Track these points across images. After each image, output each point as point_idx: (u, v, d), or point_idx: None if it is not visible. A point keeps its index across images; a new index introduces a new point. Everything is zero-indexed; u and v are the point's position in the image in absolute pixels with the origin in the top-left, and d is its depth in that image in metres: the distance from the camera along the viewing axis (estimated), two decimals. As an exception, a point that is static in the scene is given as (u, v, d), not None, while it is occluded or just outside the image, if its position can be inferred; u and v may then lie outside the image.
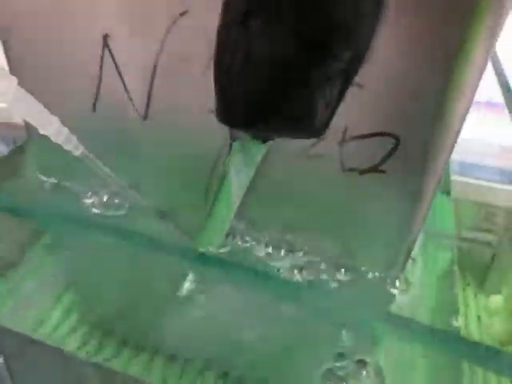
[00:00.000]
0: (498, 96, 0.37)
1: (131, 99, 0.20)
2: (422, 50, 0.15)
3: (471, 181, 0.49)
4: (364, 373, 0.21)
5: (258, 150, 0.15)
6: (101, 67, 0.20)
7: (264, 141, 0.15)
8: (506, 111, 0.25)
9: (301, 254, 0.20)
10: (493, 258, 0.55)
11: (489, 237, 0.53)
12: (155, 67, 0.18)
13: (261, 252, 0.19)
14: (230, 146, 0.16)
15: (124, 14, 0.18)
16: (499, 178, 0.49)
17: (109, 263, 0.24)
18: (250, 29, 0.12)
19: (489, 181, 0.49)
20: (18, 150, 0.30)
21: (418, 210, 0.19)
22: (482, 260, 0.59)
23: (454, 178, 0.50)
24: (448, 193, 0.39)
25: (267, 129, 0.14)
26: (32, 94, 0.17)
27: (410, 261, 0.22)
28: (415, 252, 0.23)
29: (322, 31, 0.11)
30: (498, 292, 0.55)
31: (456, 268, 0.34)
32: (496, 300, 0.13)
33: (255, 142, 0.15)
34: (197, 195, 0.20)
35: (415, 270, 0.24)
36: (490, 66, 0.30)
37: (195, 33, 0.17)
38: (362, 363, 0.21)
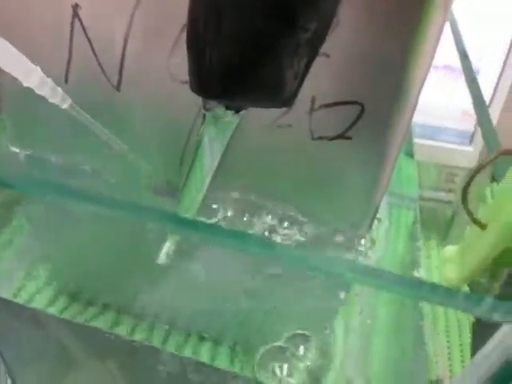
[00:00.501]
0: (456, 60, 0.38)
1: (103, 71, 0.20)
2: (383, 21, 0.16)
3: (433, 143, 0.51)
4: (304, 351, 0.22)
5: (231, 120, 0.16)
6: (71, 39, 0.20)
7: (237, 111, 0.16)
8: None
9: (272, 216, 0.21)
10: (453, 215, 0.59)
11: (450, 196, 0.56)
12: (126, 40, 0.19)
13: (237, 218, 0.21)
14: (204, 116, 0.16)
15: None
16: (459, 140, 0.51)
17: (88, 230, 0.24)
18: (221, 1, 0.13)
19: (449, 143, 0.51)
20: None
21: (383, 173, 0.20)
22: (444, 217, 0.62)
23: (416, 140, 0.52)
24: (411, 155, 0.41)
25: (239, 99, 0.15)
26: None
27: (376, 221, 0.23)
28: (381, 212, 0.25)
29: (288, 3, 0.12)
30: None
31: (418, 225, 0.36)
32: (450, 249, 0.15)
33: (228, 113, 0.16)
34: (172, 163, 0.21)
35: (381, 229, 0.26)
36: (448, 31, 0.32)
37: (163, 6, 0.17)
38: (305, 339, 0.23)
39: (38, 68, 0.17)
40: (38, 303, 0.28)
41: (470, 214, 0.13)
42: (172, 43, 0.18)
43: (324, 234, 0.21)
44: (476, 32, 0.45)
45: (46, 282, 0.29)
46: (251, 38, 0.13)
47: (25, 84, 0.17)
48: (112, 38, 0.19)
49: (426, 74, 0.18)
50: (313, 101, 0.18)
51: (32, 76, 0.17)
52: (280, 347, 0.22)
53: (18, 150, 0.27)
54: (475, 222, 0.13)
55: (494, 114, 0.50)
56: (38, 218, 0.28)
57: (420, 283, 0.12)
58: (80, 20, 0.19)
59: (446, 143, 0.52)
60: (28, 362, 0.27)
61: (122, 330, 0.25)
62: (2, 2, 0.20)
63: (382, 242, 0.25)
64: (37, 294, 0.29)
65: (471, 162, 0.52)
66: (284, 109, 0.17)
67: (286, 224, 0.21)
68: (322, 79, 0.17)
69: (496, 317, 0.10)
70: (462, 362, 0.37)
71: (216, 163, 0.17)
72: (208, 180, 0.18)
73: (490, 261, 0.13)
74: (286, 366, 0.22)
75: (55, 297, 0.28)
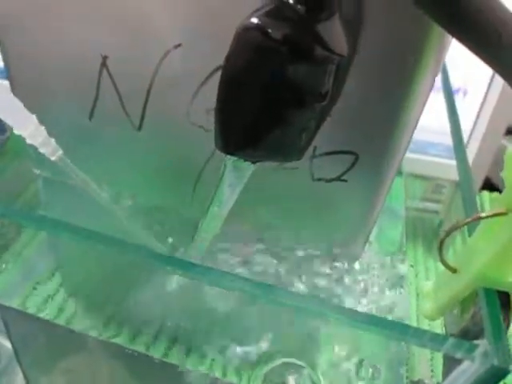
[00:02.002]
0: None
1: (127, 112, 0.22)
2: (375, 85, 0.18)
3: (421, 157, 0.54)
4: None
5: (248, 168, 0.19)
6: (98, 83, 0.22)
7: (254, 162, 0.18)
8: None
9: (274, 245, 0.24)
10: (440, 224, 0.62)
11: (437, 206, 0.59)
12: (149, 90, 0.21)
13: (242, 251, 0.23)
14: (224, 165, 0.19)
15: (123, 42, 0.20)
16: (447, 155, 0.54)
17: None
18: (246, 89, 0.15)
19: (437, 157, 0.54)
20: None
21: (374, 207, 0.23)
22: (431, 226, 0.66)
23: (419, 156, 0.55)
24: (400, 172, 0.43)
25: (257, 157, 0.17)
26: (32, 98, 0.18)
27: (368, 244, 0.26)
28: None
29: (302, 90, 0.15)
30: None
31: (404, 241, 0.39)
32: (426, 284, 0.18)
33: (246, 163, 0.18)
34: (184, 198, 0.23)
35: (370, 250, 0.29)
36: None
37: (185, 62, 0.20)
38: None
39: (34, 118, 0.18)
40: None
41: (442, 260, 0.15)
42: (192, 93, 0.21)
43: (321, 260, 0.24)
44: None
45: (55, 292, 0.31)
46: (269, 112, 0.15)
47: (16, 132, 0.17)
48: (137, 85, 0.21)
49: (415, 126, 0.20)
50: (314, 149, 0.20)
51: (26, 127, 0.17)
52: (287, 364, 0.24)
53: (39, 172, 0.29)
54: (447, 266, 0.16)
55: (481, 129, 0.52)
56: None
57: (392, 324, 0.14)
58: (107, 69, 0.21)
59: (435, 157, 0.54)
60: (44, 369, 0.30)
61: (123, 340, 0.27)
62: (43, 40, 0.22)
63: (371, 262, 0.28)
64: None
65: (457, 175, 0.55)
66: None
67: (286, 252, 0.23)
68: (323, 133, 0.19)
69: (458, 355, 0.13)
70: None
71: (231, 205, 0.20)
72: (223, 220, 0.21)
73: (461, 299, 0.16)
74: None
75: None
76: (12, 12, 0.21)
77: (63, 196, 0.28)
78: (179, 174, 0.23)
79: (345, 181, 0.21)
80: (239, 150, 0.17)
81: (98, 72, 0.22)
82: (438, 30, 0.16)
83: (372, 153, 0.20)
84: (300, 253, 0.24)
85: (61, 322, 0.29)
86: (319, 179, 0.21)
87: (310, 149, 0.20)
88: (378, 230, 0.34)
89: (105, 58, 0.21)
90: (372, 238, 0.30)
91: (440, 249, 0.15)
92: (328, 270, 0.25)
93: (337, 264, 0.24)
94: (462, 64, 0.47)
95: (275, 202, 0.22)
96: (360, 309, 0.27)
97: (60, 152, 0.20)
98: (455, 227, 0.15)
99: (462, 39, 0.13)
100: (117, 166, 0.24)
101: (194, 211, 0.22)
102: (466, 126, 0.52)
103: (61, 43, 0.21)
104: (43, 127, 0.19)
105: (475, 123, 0.52)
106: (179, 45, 0.19)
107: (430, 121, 0.53)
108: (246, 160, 0.18)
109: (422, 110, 0.20)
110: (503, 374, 0.13)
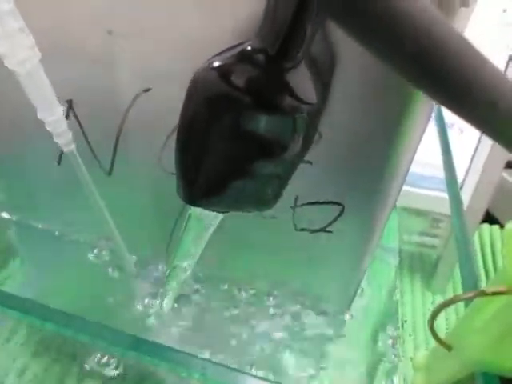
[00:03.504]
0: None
1: (96, 157, 0.21)
2: (362, 137, 0.17)
3: (418, 190, 0.52)
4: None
5: (215, 218, 0.17)
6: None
7: (222, 212, 0.16)
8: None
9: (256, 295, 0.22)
10: (438, 259, 0.60)
11: (434, 241, 0.57)
12: (118, 134, 0.19)
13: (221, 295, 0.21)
14: (189, 214, 0.17)
15: (89, 85, 0.19)
16: (443, 188, 0.52)
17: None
18: (205, 137, 0.13)
19: (434, 190, 0.52)
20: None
21: (363, 257, 0.21)
22: (429, 260, 0.64)
23: (413, 189, 0.53)
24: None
25: (222, 208, 0.15)
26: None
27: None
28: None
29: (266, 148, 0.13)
30: (443, 289, 0.60)
31: (398, 279, 0.37)
32: (419, 356, 0.16)
33: (213, 213, 0.16)
34: (158, 244, 0.22)
35: (363, 296, 0.27)
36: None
37: (156, 107, 0.18)
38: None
39: (61, 109, 0.17)
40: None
41: (435, 337, 0.14)
42: (163, 140, 0.19)
43: (309, 312, 0.22)
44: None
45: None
46: (231, 163, 0.14)
47: (39, 116, 0.17)
48: (106, 130, 0.20)
49: (406, 174, 0.19)
50: (296, 199, 0.19)
51: (52, 113, 0.17)
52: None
53: (8, 216, 0.27)
54: (441, 343, 0.14)
55: (480, 161, 0.51)
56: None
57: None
58: (74, 112, 0.20)
59: (431, 191, 0.53)
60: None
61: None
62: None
63: (363, 309, 0.26)
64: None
65: (455, 209, 0.53)
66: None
67: (270, 300, 0.22)
68: (305, 182, 0.17)
69: None
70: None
71: (200, 250, 0.18)
72: (191, 266, 0.19)
73: (455, 380, 0.14)
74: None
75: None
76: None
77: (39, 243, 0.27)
78: (154, 220, 0.22)
79: (330, 232, 0.19)
80: (203, 201, 0.15)
81: (64, 114, 0.20)
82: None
83: (359, 203, 0.18)
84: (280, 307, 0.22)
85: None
86: (302, 229, 0.19)
87: (291, 198, 0.19)
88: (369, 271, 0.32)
89: (70, 101, 0.19)
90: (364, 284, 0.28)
91: (431, 325, 0.13)
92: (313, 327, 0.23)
93: (323, 317, 0.22)
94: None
95: (258, 252, 0.20)
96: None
97: (73, 146, 0.19)
98: (450, 302, 0.13)
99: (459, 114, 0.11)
100: (86, 212, 0.22)
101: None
102: (465, 157, 0.51)
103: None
104: (65, 121, 0.18)
105: (474, 156, 0.50)
106: (149, 89, 0.18)
107: (426, 154, 0.52)
108: (212, 210, 0.16)
109: (411, 159, 0.19)
110: None
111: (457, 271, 0.63)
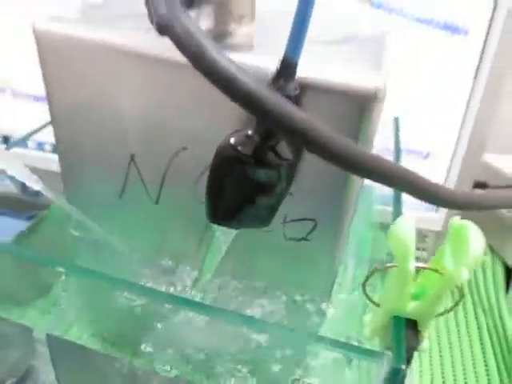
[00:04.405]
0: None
1: (147, 191, 0.30)
2: (323, 175, 0.26)
3: (405, 211, 0.60)
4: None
5: (232, 233, 0.26)
6: (128, 171, 0.30)
7: (236, 228, 0.25)
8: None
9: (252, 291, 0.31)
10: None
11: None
12: (164, 176, 0.29)
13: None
14: (213, 230, 0.26)
15: (146, 142, 0.28)
16: (428, 208, 0.60)
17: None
18: (226, 182, 0.23)
19: (420, 210, 0.60)
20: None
21: (334, 258, 0.30)
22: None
23: (390, 208, 0.62)
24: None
25: (236, 227, 0.24)
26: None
27: (336, 285, 0.33)
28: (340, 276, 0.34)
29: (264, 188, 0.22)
30: None
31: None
32: (367, 316, 0.24)
33: (230, 229, 0.26)
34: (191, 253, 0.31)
35: (340, 291, 0.35)
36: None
37: (190, 161, 0.28)
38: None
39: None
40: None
41: (367, 298, 0.22)
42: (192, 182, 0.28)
43: (294, 302, 0.30)
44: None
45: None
46: (243, 197, 0.23)
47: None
48: (156, 173, 0.29)
49: (358, 197, 0.28)
50: (285, 217, 0.28)
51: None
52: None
53: (77, 234, 0.37)
54: (371, 302, 0.22)
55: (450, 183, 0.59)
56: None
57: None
58: (135, 162, 0.29)
59: (417, 211, 0.61)
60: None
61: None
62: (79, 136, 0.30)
63: (340, 301, 0.34)
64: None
65: (438, 226, 0.61)
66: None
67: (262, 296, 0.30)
68: (289, 206, 0.26)
69: (373, 360, 0.19)
70: None
71: (221, 256, 0.27)
72: (214, 268, 0.28)
73: (385, 324, 0.22)
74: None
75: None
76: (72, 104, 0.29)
77: (95, 254, 0.36)
78: (186, 236, 0.31)
79: (308, 240, 0.28)
80: (223, 221, 0.24)
81: (128, 164, 0.30)
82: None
83: (326, 219, 0.27)
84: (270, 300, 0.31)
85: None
86: (290, 239, 0.28)
87: (282, 217, 0.28)
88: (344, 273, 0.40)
89: (132, 155, 0.29)
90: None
91: (364, 288, 0.22)
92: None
93: (306, 306, 0.31)
94: (426, 126, 0.55)
95: (257, 257, 0.29)
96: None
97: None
98: (374, 271, 0.22)
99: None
100: (138, 230, 0.32)
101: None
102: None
103: (102, 140, 0.30)
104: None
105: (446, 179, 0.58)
106: (185, 147, 0.27)
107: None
108: (229, 227, 0.25)
109: (361, 183, 0.28)
110: (399, 371, 0.19)
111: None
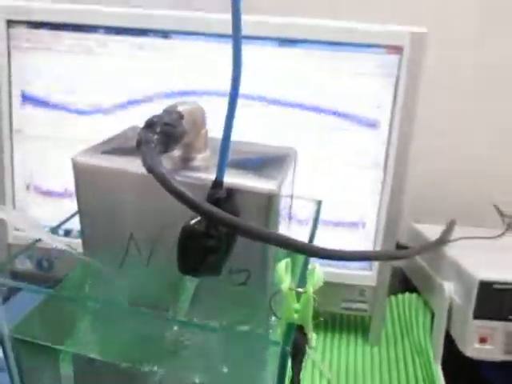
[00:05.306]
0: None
1: (141, 257, 0.46)
2: (252, 246, 0.42)
3: (344, 271, 0.76)
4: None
5: (196, 280, 0.42)
6: (128, 245, 0.46)
7: (196, 277, 0.41)
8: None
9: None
10: (370, 318, 0.82)
11: (364, 305, 0.79)
12: (152, 248, 0.45)
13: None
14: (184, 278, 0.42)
15: (142, 223, 0.45)
16: (363, 266, 0.76)
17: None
18: (191, 241, 0.39)
19: (357, 269, 0.76)
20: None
21: (266, 293, 0.45)
22: (362, 321, 0.86)
23: (332, 270, 0.78)
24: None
25: (198, 276, 0.40)
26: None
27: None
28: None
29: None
30: (379, 339, 0.82)
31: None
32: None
33: (194, 278, 0.41)
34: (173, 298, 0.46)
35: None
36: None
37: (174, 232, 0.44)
38: None
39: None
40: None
41: (273, 312, 0.37)
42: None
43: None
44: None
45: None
46: (201, 257, 0.39)
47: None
48: (147, 246, 0.45)
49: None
50: (230, 269, 0.43)
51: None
52: None
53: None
54: (275, 315, 0.37)
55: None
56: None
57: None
58: (134, 239, 0.46)
59: (355, 270, 0.76)
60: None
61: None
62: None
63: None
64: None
65: (373, 281, 0.76)
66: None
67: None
68: (232, 262, 0.42)
69: (260, 344, 0.34)
70: None
71: (189, 298, 0.42)
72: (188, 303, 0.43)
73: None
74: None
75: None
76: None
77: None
78: (168, 284, 0.46)
79: (245, 284, 0.44)
80: (189, 272, 0.40)
81: (128, 240, 0.46)
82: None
83: (256, 269, 0.43)
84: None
85: None
86: (237, 284, 0.44)
87: (228, 269, 0.44)
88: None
89: (131, 234, 0.45)
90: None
91: (270, 305, 0.37)
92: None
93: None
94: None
95: (211, 298, 0.45)
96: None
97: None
98: (274, 294, 0.37)
99: None
100: (134, 283, 0.47)
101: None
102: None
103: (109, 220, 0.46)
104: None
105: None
106: (164, 228, 0.44)
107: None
108: (193, 276, 0.41)
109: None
110: (286, 352, 0.34)
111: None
